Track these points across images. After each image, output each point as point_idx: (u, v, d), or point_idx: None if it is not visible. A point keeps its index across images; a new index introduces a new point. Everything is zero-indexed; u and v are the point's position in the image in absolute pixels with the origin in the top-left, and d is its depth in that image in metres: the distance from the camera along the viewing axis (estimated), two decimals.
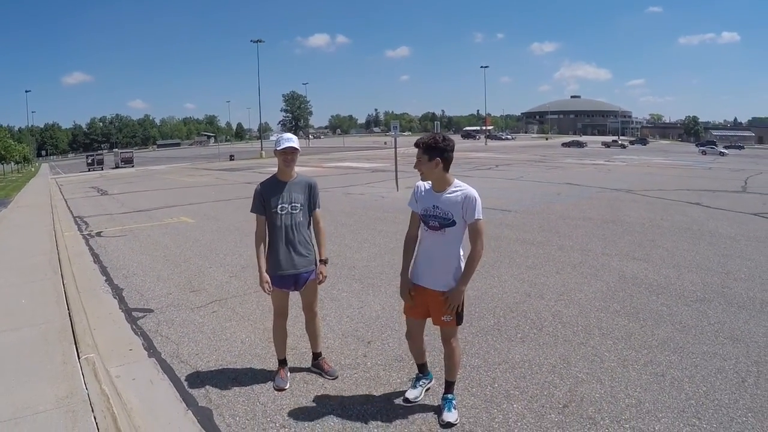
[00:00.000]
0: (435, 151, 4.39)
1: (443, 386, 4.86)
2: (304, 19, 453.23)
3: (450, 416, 4.64)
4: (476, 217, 4.39)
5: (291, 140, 5.17)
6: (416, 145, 4.46)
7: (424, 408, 4.88)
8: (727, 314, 7.06)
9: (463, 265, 4.52)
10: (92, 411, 4.96)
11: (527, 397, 5.04)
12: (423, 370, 5.12)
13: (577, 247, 11.24)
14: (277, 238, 5.22)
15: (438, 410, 4.78)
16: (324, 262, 5.40)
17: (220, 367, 5.91)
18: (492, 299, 7.85)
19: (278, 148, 5.16)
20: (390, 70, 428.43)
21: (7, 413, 4.94)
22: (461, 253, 4.57)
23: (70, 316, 7.70)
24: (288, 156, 5.17)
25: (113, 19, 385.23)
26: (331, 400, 5.09)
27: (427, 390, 5.12)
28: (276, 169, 5.37)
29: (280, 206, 5.18)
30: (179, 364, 6.04)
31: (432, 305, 4.60)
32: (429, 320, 4.78)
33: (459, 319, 4.61)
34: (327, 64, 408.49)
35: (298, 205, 5.23)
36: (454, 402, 4.75)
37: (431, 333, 5.35)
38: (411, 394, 4.97)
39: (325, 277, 5.42)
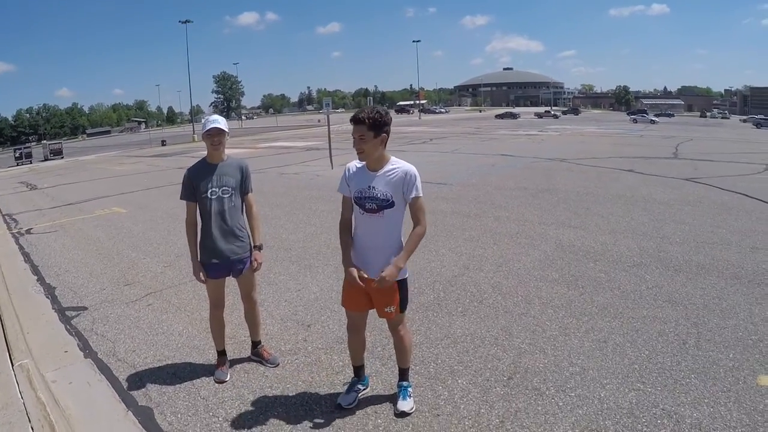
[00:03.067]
0: (382, 127, 4.12)
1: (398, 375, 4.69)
2: None
3: (405, 405, 4.48)
4: (416, 195, 4.17)
5: (216, 121, 4.99)
6: (359, 120, 4.08)
7: (371, 390, 4.82)
8: (664, 278, 7.23)
9: None
10: (29, 421, 4.77)
11: (471, 371, 5.04)
12: (360, 375, 4.79)
13: (513, 217, 11.36)
14: (208, 225, 5.04)
15: (389, 397, 4.70)
16: (258, 247, 5.22)
17: (159, 363, 5.72)
18: (431, 274, 7.84)
19: (203, 131, 4.98)
20: (321, 47, 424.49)
21: None
22: (402, 237, 4.33)
23: (1, 320, 7.43)
24: (214, 138, 4.97)
25: (32, 5, 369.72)
26: (273, 389, 4.98)
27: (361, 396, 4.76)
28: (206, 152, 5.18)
29: (210, 190, 5.00)
30: (116, 362, 5.82)
31: (374, 294, 4.31)
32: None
33: (403, 306, 4.38)
34: (257, 43, 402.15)
35: (229, 188, 5.05)
36: (409, 390, 4.60)
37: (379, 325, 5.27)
38: (345, 400, 4.62)
39: (260, 263, 5.25)
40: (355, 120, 4.11)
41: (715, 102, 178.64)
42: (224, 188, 5.03)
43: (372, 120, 4.07)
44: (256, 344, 5.58)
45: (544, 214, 11.55)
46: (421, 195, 4.21)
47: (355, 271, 4.24)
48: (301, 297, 7.33)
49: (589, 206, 12.11)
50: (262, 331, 5.71)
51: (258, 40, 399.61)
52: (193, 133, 77.06)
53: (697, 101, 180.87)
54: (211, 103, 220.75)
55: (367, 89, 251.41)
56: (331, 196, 15.07)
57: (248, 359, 5.57)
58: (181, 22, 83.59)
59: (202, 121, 5.16)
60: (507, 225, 10.67)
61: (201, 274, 5.05)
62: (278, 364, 5.42)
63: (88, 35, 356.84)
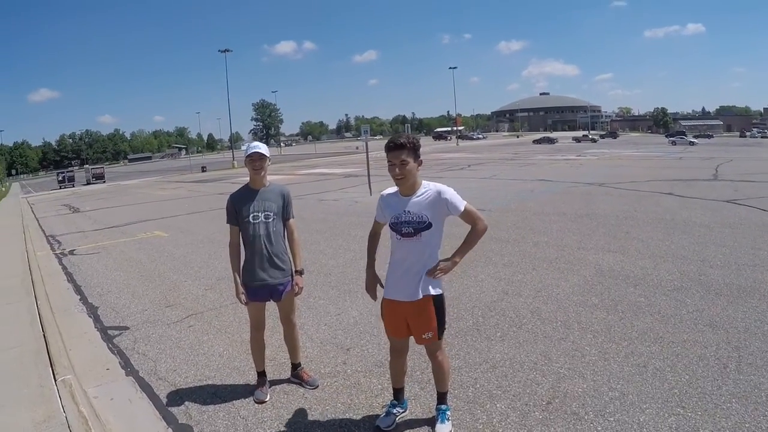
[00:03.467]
0: (418, 150, 4.15)
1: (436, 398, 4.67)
2: (269, 26, 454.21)
3: (443, 428, 4.46)
4: (462, 208, 4.15)
5: (258, 147, 5.11)
6: (401, 146, 4.07)
7: (409, 413, 4.81)
8: (705, 302, 7.11)
9: None
10: None
11: (510, 395, 5.01)
12: (399, 397, 4.75)
13: (552, 242, 11.28)
14: (251, 249, 5.14)
15: (427, 420, 4.69)
16: (300, 272, 5.29)
17: (199, 383, 5.81)
18: (470, 299, 7.82)
19: (245, 156, 5.14)
20: (359, 75, 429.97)
21: None
22: (439, 259, 4.28)
23: (44, 337, 7.58)
24: (256, 162, 5.09)
25: (76, 34, 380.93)
26: (312, 411, 5.01)
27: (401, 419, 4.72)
28: (248, 178, 5.30)
29: (252, 215, 5.09)
30: (157, 381, 5.93)
31: (411, 320, 4.31)
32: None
33: (440, 331, 4.36)
34: (295, 71, 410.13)
35: (271, 213, 5.14)
36: (448, 413, 4.57)
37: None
38: (383, 422, 4.58)
39: (301, 288, 5.32)
40: (395, 146, 4.08)
41: (754, 121, 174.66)
42: (266, 213, 5.12)
43: (412, 144, 4.09)
44: (295, 366, 5.62)
45: (583, 238, 11.45)
46: (465, 203, 4.19)
47: (374, 281, 4.68)
48: (341, 321, 7.36)
49: (628, 230, 11.97)
50: (301, 354, 5.76)
51: (296, 68, 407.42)
52: (233, 160, 78.24)
53: (736, 121, 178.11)
54: (251, 131, 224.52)
55: (404, 116, 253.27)
56: (369, 222, 15.07)
57: (288, 381, 5.61)
58: (221, 51, 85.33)
59: (243, 147, 5.29)
60: (546, 250, 10.61)
61: (242, 296, 5.13)
62: (317, 386, 5.45)
63: (131, 63, 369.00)
